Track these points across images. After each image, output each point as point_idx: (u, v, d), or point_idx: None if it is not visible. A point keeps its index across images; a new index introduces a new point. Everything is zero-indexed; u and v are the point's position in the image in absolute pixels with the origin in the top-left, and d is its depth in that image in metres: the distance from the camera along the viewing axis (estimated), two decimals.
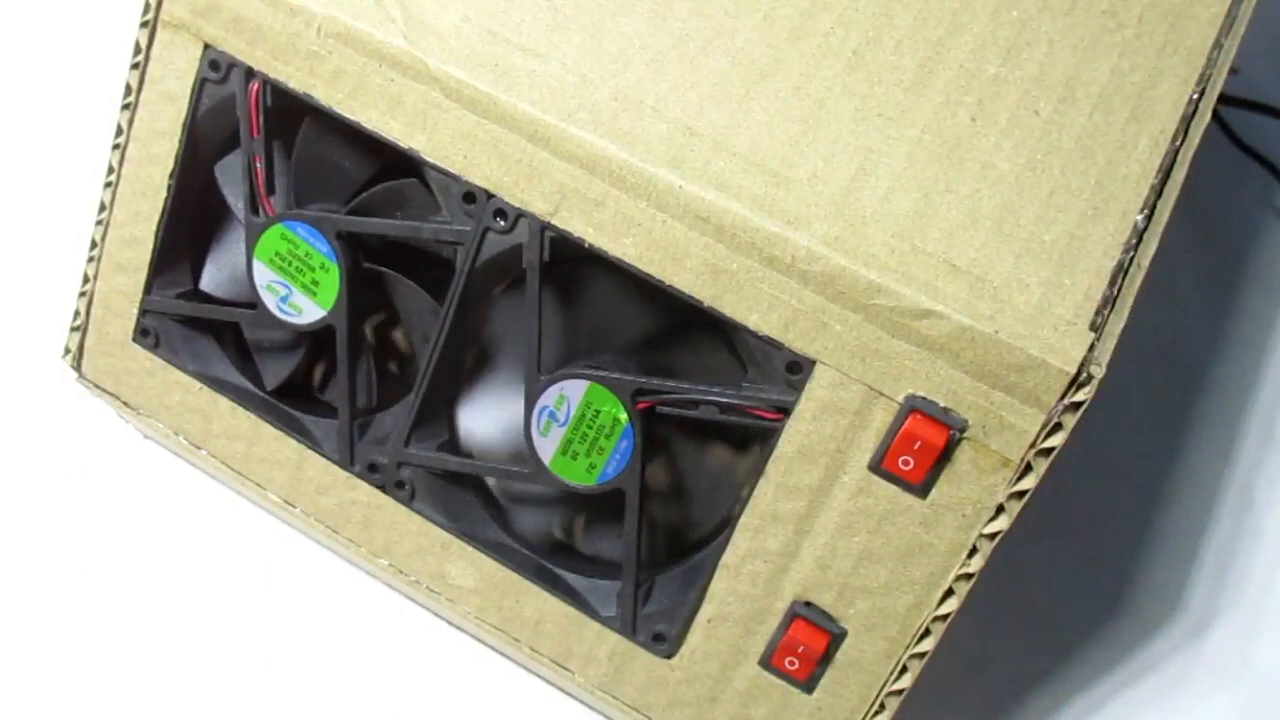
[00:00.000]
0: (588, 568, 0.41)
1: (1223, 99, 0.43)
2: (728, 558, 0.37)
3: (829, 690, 0.37)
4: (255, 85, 0.39)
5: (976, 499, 0.34)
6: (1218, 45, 0.38)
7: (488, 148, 0.36)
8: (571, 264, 0.38)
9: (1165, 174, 0.36)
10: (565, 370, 0.38)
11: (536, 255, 0.37)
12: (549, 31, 0.37)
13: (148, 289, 0.43)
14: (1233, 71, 0.39)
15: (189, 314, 0.43)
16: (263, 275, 0.40)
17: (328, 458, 0.41)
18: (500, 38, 0.37)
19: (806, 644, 0.37)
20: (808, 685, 0.37)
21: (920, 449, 0.34)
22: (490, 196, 0.37)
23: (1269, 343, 0.58)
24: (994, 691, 0.48)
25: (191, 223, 0.43)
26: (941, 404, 0.34)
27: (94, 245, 0.43)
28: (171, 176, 0.41)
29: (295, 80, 0.38)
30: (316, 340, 0.43)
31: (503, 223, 0.37)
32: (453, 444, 0.41)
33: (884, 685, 0.37)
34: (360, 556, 0.42)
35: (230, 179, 0.42)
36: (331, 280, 0.40)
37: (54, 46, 0.61)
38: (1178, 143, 0.36)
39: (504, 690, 0.47)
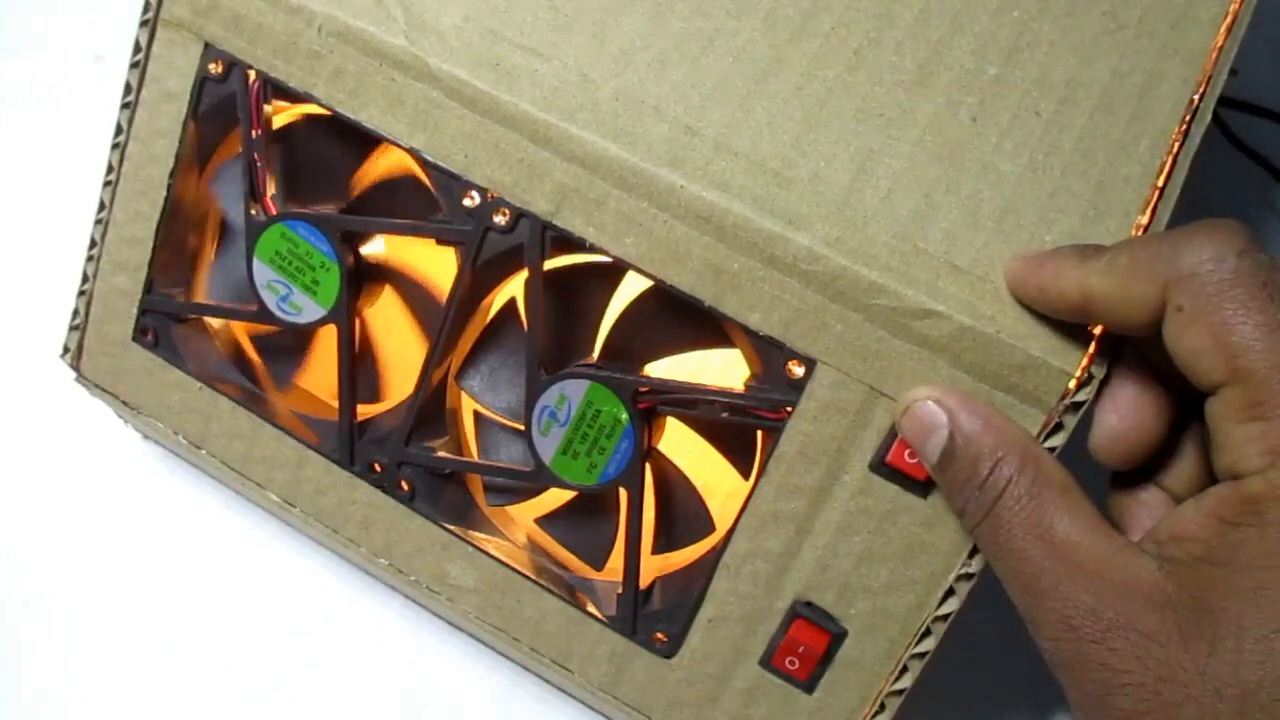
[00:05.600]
0: None
1: (1222, 101, 0.43)
2: (728, 558, 0.37)
3: (829, 690, 0.37)
4: (255, 84, 0.39)
5: None
6: (1218, 46, 0.38)
7: (489, 147, 0.36)
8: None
9: (1166, 175, 0.36)
10: (566, 370, 0.38)
11: (537, 255, 0.37)
12: (550, 31, 0.37)
13: (148, 289, 0.43)
14: (1232, 73, 0.39)
15: (189, 314, 0.43)
16: (263, 274, 0.40)
17: (328, 458, 0.41)
18: (501, 37, 0.37)
19: (807, 644, 0.37)
20: (808, 685, 0.37)
21: None
22: (491, 196, 0.37)
23: None
24: (994, 691, 0.48)
25: (191, 222, 0.43)
26: None
27: (94, 245, 0.43)
28: (171, 176, 0.41)
29: (295, 80, 0.38)
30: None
31: (503, 222, 0.37)
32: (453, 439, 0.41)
33: (884, 685, 0.37)
34: (360, 556, 0.42)
35: (227, 186, 0.42)
36: (331, 279, 0.40)
37: (54, 45, 0.61)
38: (1178, 144, 0.36)
39: (504, 690, 0.47)
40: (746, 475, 0.38)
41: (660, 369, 0.39)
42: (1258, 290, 0.28)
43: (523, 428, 0.38)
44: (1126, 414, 0.32)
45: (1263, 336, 0.28)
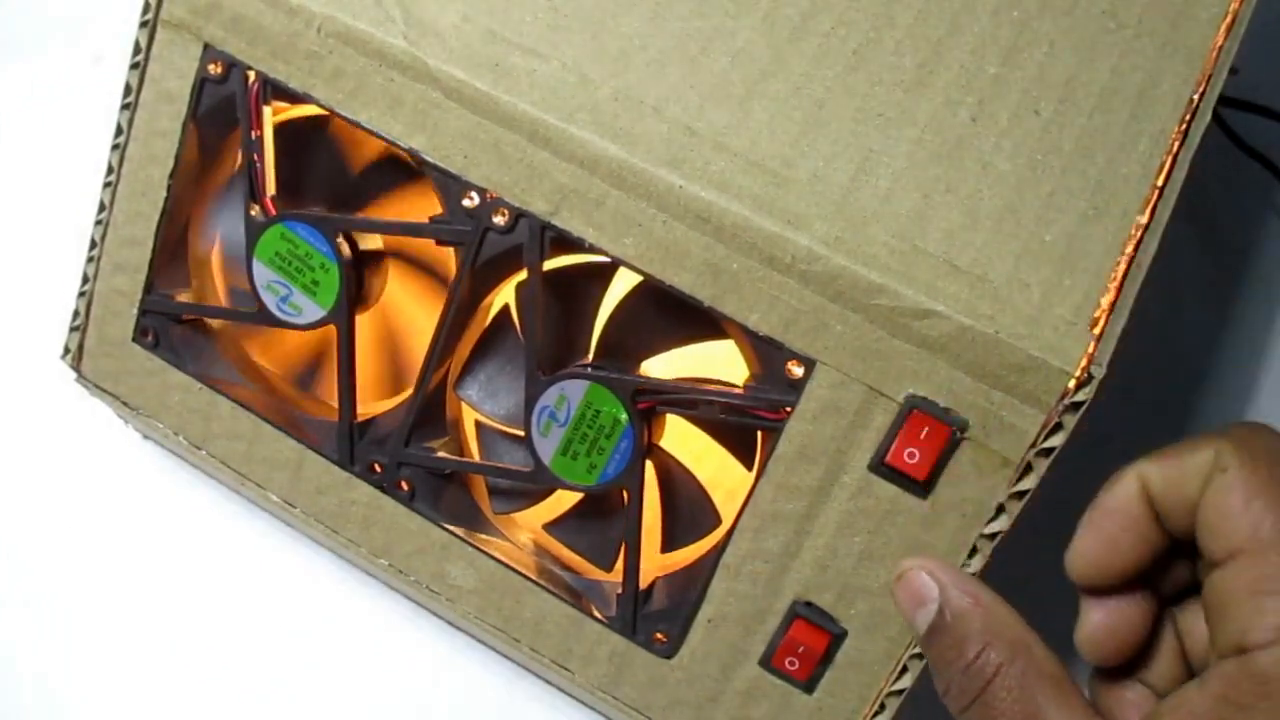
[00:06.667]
0: None
1: (1223, 100, 0.43)
2: (728, 558, 0.37)
3: (829, 690, 0.37)
4: (255, 85, 0.39)
5: (976, 499, 0.34)
6: (1218, 46, 0.38)
7: (488, 148, 0.36)
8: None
9: (1166, 174, 0.36)
10: (565, 370, 0.38)
11: (536, 255, 0.37)
12: (549, 31, 0.37)
13: (148, 289, 0.43)
14: (1232, 72, 0.39)
15: (189, 314, 0.43)
16: (262, 275, 0.40)
17: (328, 458, 0.41)
18: (500, 37, 0.37)
19: (806, 644, 0.37)
20: (808, 685, 0.37)
21: (920, 449, 0.34)
22: (490, 197, 0.37)
23: (1269, 343, 0.58)
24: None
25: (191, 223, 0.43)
26: (942, 404, 0.34)
27: (94, 245, 0.43)
28: (171, 177, 0.41)
29: (295, 80, 0.38)
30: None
31: (502, 223, 0.37)
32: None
33: (884, 685, 0.37)
34: (360, 557, 0.42)
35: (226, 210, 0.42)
36: (331, 280, 0.40)
37: (54, 46, 0.61)
38: (1178, 143, 0.36)
39: (504, 690, 0.47)
40: (750, 467, 0.38)
41: (663, 363, 0.39)
42: None
43: (523, 434, 0.38)
44: (1112, 611, 0.32)
45: None
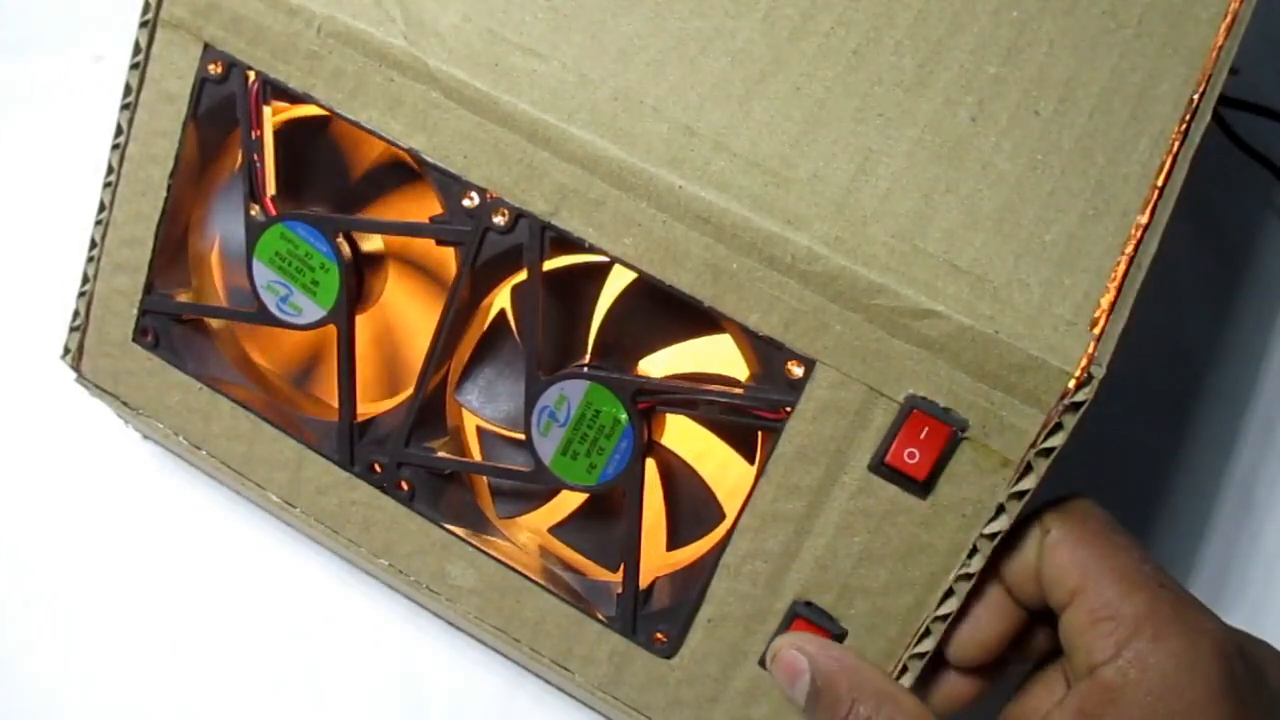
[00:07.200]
0: None
1: (1223, 100, 0.43)
2: (728, 558, 0.37)
3: None
4: (255, 85, 0.39)
5: (976, 499, 0.34)
6: (1218, 46, 0.38)
7: (488, 148, 0.36)
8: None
9: (1166, 174, 0.36)
10: (565, 370, 0.38)
11: (536, 255, 0.37)
12: (549, 31, 0.37)
13: (148, 289, 0.43)
14: (1233, 72, 0.39)
15: (189, 314, 0.43)
16: (262, 275, 0.40)
17: (328, 458, 0.41)
18: (500, 38, 0.37)
19: None
20: None
21: (920, 449, 0.34)
22: (490, 197, 0.37)
23: (1269, 343, 0.58)
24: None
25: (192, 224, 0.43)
26: (942, 404, 0.34)
27: (94, 245, 0.43)
28: (171, 177, 0.41)
29: (295, 80, 0.38)
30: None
31: (502, 223, 0.37)
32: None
33: None
34: (360, 557, 0.42)
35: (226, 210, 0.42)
36: (331, 280, 0.40)
37: (54, 45, 0.61)
38: (1178, 143, 0.36)
39: (504, 690, 0.47)
40: (752, 460, 0.38)
41: (661, 359, 0.39)
42: (1106, 523, 0.35)
43: (524, 437, 0.38)
44: (957, 680, 0.38)
45: (1109, 555, 0.34)
